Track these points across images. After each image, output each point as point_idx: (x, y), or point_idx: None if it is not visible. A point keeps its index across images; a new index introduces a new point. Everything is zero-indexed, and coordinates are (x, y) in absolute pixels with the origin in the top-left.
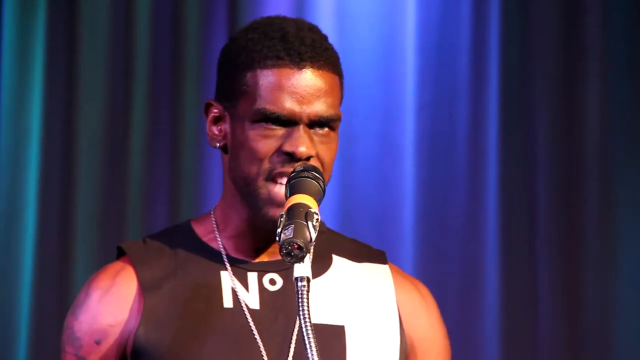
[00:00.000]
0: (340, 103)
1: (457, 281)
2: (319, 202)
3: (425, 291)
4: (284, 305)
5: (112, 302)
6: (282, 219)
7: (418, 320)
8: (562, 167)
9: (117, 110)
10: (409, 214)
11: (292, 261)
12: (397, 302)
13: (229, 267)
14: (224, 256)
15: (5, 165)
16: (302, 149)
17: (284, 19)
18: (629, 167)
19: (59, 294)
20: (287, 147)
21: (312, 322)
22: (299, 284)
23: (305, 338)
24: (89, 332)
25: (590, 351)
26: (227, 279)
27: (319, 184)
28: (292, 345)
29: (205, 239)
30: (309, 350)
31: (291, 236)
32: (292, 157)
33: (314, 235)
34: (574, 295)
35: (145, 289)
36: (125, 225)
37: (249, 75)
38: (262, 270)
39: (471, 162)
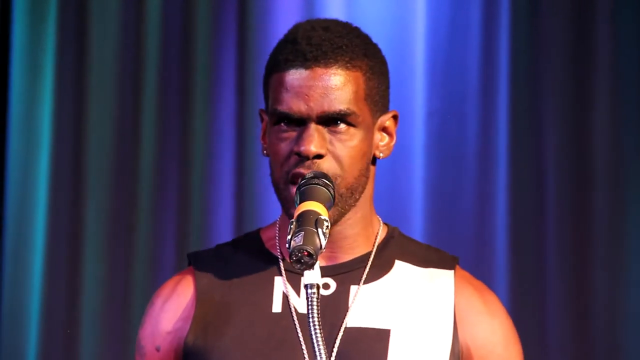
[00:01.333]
0: (367, 97)
1: None
2: (329, 208)
3: (490, 297)
4: (333, 310)
5: (170, 310)
6: (292, 226)
7: (477, 326)
8: (571, 172)
9: (126, 116)
10: (419, 218)
11: (301, 268)
12: (455, 307)
13: (283, 273)
14: (280, 261)
15: (16, 170)
16: (307, 147)
17: (307, 22)
18: (637, 171)
19: (68, 299)
20: (296, 147)
21: (353, 324)
22: (309, 290)
23: (315, 344)
24: (151, 340)
25: (599, 352)
26: (280, 284)
27: (329, 191)
28: (335, 350)
29: (267, 245)
30: (317, 352)
31: (301, 243)
32: (302, 157)
33: (324, 242)
34: (583, 297)
35: (199, 297)
36: (135, 230)
37: (270, 80)
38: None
39: (481, 167)
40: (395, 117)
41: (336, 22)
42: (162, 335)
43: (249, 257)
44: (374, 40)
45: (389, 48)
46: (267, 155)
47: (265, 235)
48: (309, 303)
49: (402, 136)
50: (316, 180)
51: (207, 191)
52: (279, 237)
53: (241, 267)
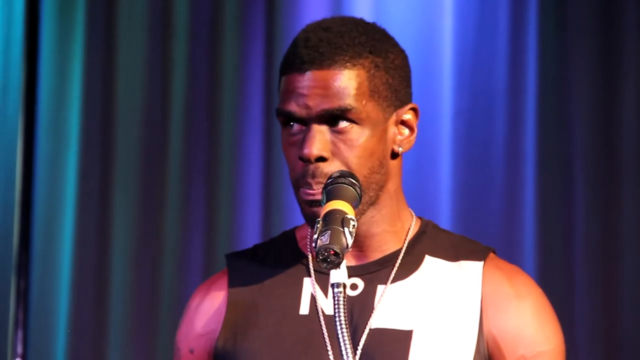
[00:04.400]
0: (373, 91)
1: None
2: (355, 207)
3: (521, 280)
4: (359, 311)
5: (203, 312)
6: (318, 225)
7: (504, 311)
8: (599, 170)
9: (154, 117)
10: (446, 218)
11: (328, 267)
12: (482, 296)
13: (312, 274)
14: (310, 262)
15: (45, 171)
16: (309, 150)
17: (312, 24)
18: None
19: (96, 298)
20: (299, 151)
21: (378, 325)
22: (335, 290)
23: (342, 344)
24: (185, 342)
25: (627, 349)
26: (309, 286)
27: (355, 190)
28: (359, 351)
29: (300, 244)
30: (343, 350)
31: (327, 242)
32: (305, 161)
33: (350, 241)
34: (611, 292)
35: (230, 300)
36: (162, 230)
37: (279, 83)
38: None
39: (508, 167)
40: (414, 110)
41: (340, 21)
42: (195, 337)
43: (281, 257)
44: (403, 41)
45: (416, 48)
46: None
47: (299, 234)
48: (336, 303)
49: (430, 135)
50: (342, 179)
51: (234, 191)
52: (311, 236)
53: (272, 269)
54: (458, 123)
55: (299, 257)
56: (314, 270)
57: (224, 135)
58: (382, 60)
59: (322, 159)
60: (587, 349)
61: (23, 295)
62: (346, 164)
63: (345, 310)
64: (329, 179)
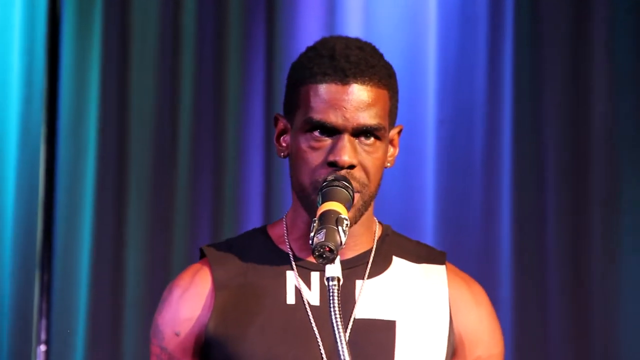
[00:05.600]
0: (390, 114)
1: (473, 275)
2: (348, 208)
3: (477, 289)
4: (342, 303)
5: (189, 299)
6: (314, 224)
7: (467, 315)
8: (569, 175)
9: (164, 122)
10: (430, 219)
11: (323, 262)
12: (449, 299)
13: (294, 267)
14: (291, 257)
15: (65, 174)
16: (344, 158)
17: (337, 39)
18: (631, 172)
19: (113, 288)
20: (331, 157)
21: (362, 316)
22: (330, 283)
23: (335, 330)
24: (170, 326)
25: (596, 343)
26: (292, 278)
27: (349, 192)
28: (345, 339)
29: (276, 242)
30: (338, 341)
31: (323, 240)
32: (336, 166)
33: (344, 239)
34: (582, 289)
35: (217, 287)
36: (172, 225)
37: (302, 90)
38: (324, 270)
39: (486, 171)
40: (399, 132)
41: (365, 43)
42: (181, 321)
43: (260, 251)
44: (390, 55)
45: (403, 63)
46: (285, 156)
47: (273, 233)
48: (330, 294)
49: (416, 141)
50: (337, 183)
51: (238, 189)
52: (287, 235)
53: (254, 260)
54: (441, 131)
55: (278, 253)
56: (296, 264)
57: (229, 138)
58: (395, 85)
59: (352, 166)
60: (559, 338)
61: (46, 288)
62: (367, 173)
63: (339, 301)
64: (324, 182)
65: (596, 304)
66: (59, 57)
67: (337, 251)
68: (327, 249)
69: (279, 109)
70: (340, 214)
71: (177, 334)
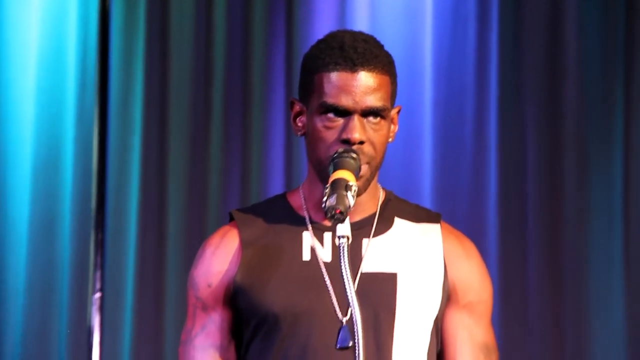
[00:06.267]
0: (391, 97)
1: (464, 232)
2: (356, 176)
3: (468, 244)
4: (350, 259)
5: (220, 256)
6: (327, 190)
7: (459, 266)
8: (547, 144)
9: (199, 100)
10: (427, 183)
11: (334, 223)
12: (443, 252)
13: (310, 229)
14: (307, 220)
15: (115, 149)
16: (355, 135)
17: (345, 32)
18: (598, 137)
19: (157, 245)
20: (344, 135)
21: (368, 269)
22: (340, 240)
23: (345, 280)
24: (204, 278)
25: (568, 294)
26: (308, 238)
27: (356, 162)
28: (354, 289)
29: (294, 207)
30: (348, 292)
31: (334, 203)
32: (348, 143)
33: (352, 202)
34: (555, 246)
35: (244, 245)
36: (207, 193)
37: (316, 77)
38: (336, 230)
39: (476, 144)
40: (399, 111)
41: (369, 35)
42: (213, 274)
43: (280, 215)
44: (392, 45)
45: (404, 52)
46: (302, 135)
47: (291, 199)
48: (341, 249)
49: (415, 120)
50: (346, 154)
51: (263, 161)
52: (305, 201)
53: (275, 222)
54: (437, 111)
55: (296, 216)
56: (312, 226)
57: (254, 116)
58: (394, 71)
59: (362, 142)
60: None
61: (100, 244)
62: (374, 148)
63: (349, 255)
64: (334, 153)
65: (568, 257)
66: (109, 49)
67: (347, 213)
68: (338, 211)
69: (296, 93)
70: (349, 181)
71: (209, 285)
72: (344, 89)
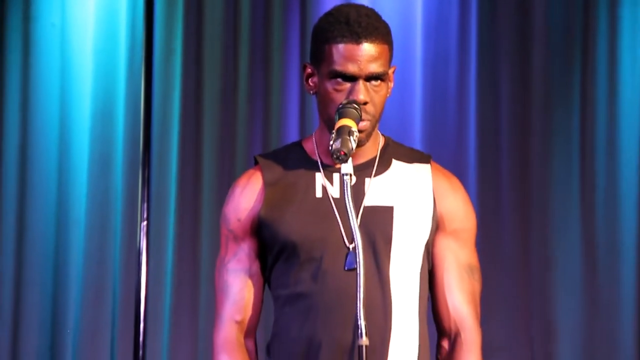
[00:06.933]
0: (389, 61)
1: (451, 170)
2: (357, 122)
3: (454, 180)
4: (355, 195)
5: (246, 194)
6: (333, 135)
7: (446, 199)
8: (518, 98)
9: (229, 75)
10: (418, 129)
11: (339, 162)
12: (433, 188)
13: (322, 171)
14: (319, 164)
15: (159, 104)
16: (360, 97)
17: (350, 7)
18: (560, 103)
19: (194, 184)
20: (351, 97)
21: (369, 203)
22: (345, 177)
23: (349, 211)
24: (234, 214)
25: (534, 229)
26: (320, 179)
27: (357, 112)
28: (358, 220)
29: (308, 153)
30: (351, 220)
31: (339, 146)
32: (354, 102)
33: (354, 145)
34: (524, 184)
35: (266, 185)
36: (235, 140)
37: (326, 47)
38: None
39: (459, 98)
40: (394, 71)
41: (370, 9)
42: (242, 210)
43: (297, 159)
44: (390, 13)
45: (399, 21)
46: (314, 94)
47: (306, 146)
48: (345, 184)
49: (407, 78)
50: (349, 105)
51: (282, 112)
52: (316, 147)
53: (292, 165)
54: (426, 69)
55: (309, 160)
56: (323, 168)
57: (274, 75)
58: (391, 41)
59: (365, 102)
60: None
61: (147, 180)
62: (375, 106)
63: (352, 190)
64: (339, 104)
65: (535, 189)
66: (153, 19)
67: (349, 154)
68: (342, 152)
69: (308, 58)
70: (351, 127)
71: (238, 220)
72: (350, 58)
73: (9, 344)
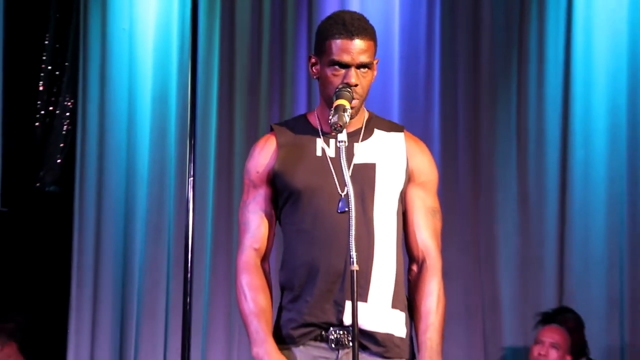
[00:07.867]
0: (374, 54)
1: (419, 136)
2: (350, 101)
3: (422, 144)
4: (347, 155)
5: (264, 153)
6: (332, 111)
7: (415, 158)
8: (470, 81)
9: (254, 63)
10: (396, 107)
11: (336, 132)
12: (406, 150)
13: (321, 137)
14: (320, 131)
15: (201, 86)
16: (352, 80)
17: (345, 13)
18: (503, 74)
19: (227, 141)
20: (345, 80)
21: (357, 162)
22: (340, 143)
23: (343, 168)
24: (254, 167)
25: (483, 172)
26: (320, 142)
27: (350, 94)
28: (349, 175)
29: (312, 123)
30: (344, 174)
31: (336, 120)
32: (348, 85)
33: (347, 119)
34: (478, 134)
35: (279, 146)
36: (259, 110)
37: (327, 43)
38: (337, 137)
39: (426, 81)
40: (377, 62)
41: (362, 15)
42: (260, 165)
43: (302, 127)
44: (374, 18)
45: (381, 24)
46: (316, 78)
47: (310, 118)
48: (341, 148)
49: (387, 67)
50: (344, 89)
51: (294, 89)
52: (318, 119)
53: (299, 132)
54: (402, 61)
55: (312, 128)
56: (322, 135)
57: (288, 62)
58: (376, 38)
59: (356, 85)
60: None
61: (193, 147)
62: (363, 89)
63: (345, 153)
64: (336, 88)
65: (484, 157)
66: (197, 38)
67: (344, 126)
68: (339, 125)
69: (313, 50)
70: (345, 105)
71: (257, 172)
72: (345, 51)
73: (92, 265)
